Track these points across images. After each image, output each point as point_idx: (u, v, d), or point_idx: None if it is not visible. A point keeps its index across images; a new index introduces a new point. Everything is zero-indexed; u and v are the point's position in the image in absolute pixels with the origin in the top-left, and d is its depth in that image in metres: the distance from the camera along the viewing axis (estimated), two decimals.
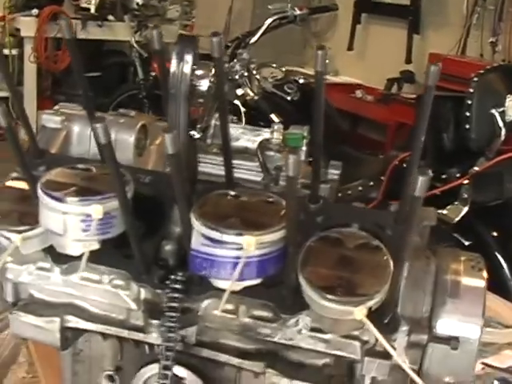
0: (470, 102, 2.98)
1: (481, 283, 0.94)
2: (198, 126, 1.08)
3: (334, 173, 1.21)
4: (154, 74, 6.72)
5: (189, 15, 8.45)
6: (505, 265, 2.86)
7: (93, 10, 8.07)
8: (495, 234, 2.88)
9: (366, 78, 6.15)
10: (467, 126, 3.00)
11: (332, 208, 0.99)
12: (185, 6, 8.59)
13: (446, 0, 5.64)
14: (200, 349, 0.95)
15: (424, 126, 0.87)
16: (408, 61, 5.87)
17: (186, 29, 8.25)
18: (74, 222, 0.86)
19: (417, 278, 0.92)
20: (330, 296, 0.82)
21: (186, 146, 0.93)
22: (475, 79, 3.03)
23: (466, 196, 2.94)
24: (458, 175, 3.03)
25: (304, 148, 1.22)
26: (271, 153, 1.17)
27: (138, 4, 8.10)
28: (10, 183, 1.02)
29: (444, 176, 3.11)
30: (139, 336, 0.96)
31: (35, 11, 7.70)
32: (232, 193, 0.92)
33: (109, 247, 0.94)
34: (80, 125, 1.17)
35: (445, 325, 0.91)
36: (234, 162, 1.11)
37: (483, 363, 1.66)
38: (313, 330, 0.91)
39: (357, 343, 0.90)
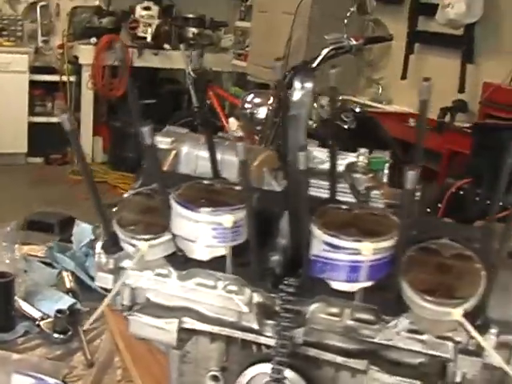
0: None
1: None
2: None
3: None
4: (208, 101, 6.88)
5: (242, 44, 8.64)
6: None
7: (149, 39, 8.31)
8: None
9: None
10: None
11: (423, 223, 1.10)
12: (238, 36, 8.78)
13: (500, 29, 5.71)
14: (307, 348, 1.05)
15: (422, 139, 0.97)
16: (461, 90, 5.94)
17: (240, 58, 8.43)
18: (206, 230, 0.98)
19: (505, 284, 1.01)
20: (430, 298, 0.92)
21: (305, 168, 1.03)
22: None
23: None
24: None
25: (386, 171, 1.32)
26: (357, 175, 1.26)
27: (193, 33, 8.34)
28: (130, 196, 1.14)
29: (501, 203, 3.17)
30: (251, 336, 1.07)
31: (93, 40, 7.96)
32: (344, 206, 1.03)
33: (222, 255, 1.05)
34: (188, 146, 1.29)
35: None
36: (321, 183, 1.21)
37: None
38: (410, 331, 1.01)
39: (450, 343, 0.99)
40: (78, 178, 7.09)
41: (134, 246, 1.06)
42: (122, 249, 1.10)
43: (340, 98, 3.71)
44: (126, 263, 1.12)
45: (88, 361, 1.57)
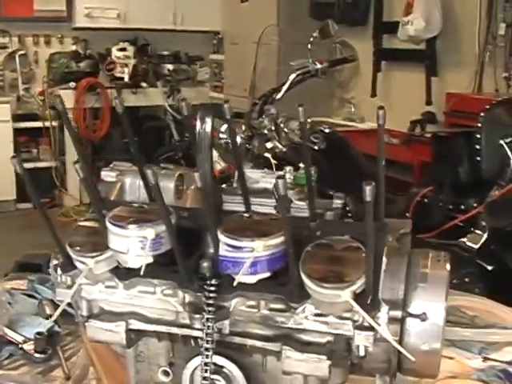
0: (478, 136, 3.28)
1: (444, 271, 1.23)
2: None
3: (337, 202, 1.50)
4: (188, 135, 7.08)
5: (218, 76, 8.85)
6: None
7: (126, 79, 8.52)
8: None
9: (390, 122, 6.43)
10: (478, 158, 3.29)
11: (327, 224, 1.31)
12: (214, 68, 9.00)
13: (459, 41, 5.95)
14: (232, 337, 1.25)
15: (382, 156, 1.17)
16: (428, 102, 6.17)
17: (217, 89, 8.64)
18: (134, 242, 1.19)
19: (393, 270, 1.21)
20: (322, 284, 1.12)
21: (211, 183, 1.25)
22: (482, 114, 3.34)
23: (484, 224, 3.20)
24: (475, 205, 3.30)
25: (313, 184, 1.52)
26: None
27: (169, 70, 8.57)
28: (82, 223, 1.36)
29: (462, 207, 3.38)
30: (186, 331, 1.27)
31: (72, 84, 8.14)
32: (246, 215, 1.25)
33: (160, 266, 1.25)
34: (131, 178, 1.50)
35: (416, 303, 1.20)
36: (257, 200, 1.42)
37: (485, 357, 1.93)
38: (316, 315, 1.21)
39: (350, 323, 1.19)
40: (66, 220, 7.29)
41: (83, 263, 1.27)
42: (75, 267, 1.31)
43: (309, 120, 3.87)
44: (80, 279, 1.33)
45: (66, 375, 1.76)
